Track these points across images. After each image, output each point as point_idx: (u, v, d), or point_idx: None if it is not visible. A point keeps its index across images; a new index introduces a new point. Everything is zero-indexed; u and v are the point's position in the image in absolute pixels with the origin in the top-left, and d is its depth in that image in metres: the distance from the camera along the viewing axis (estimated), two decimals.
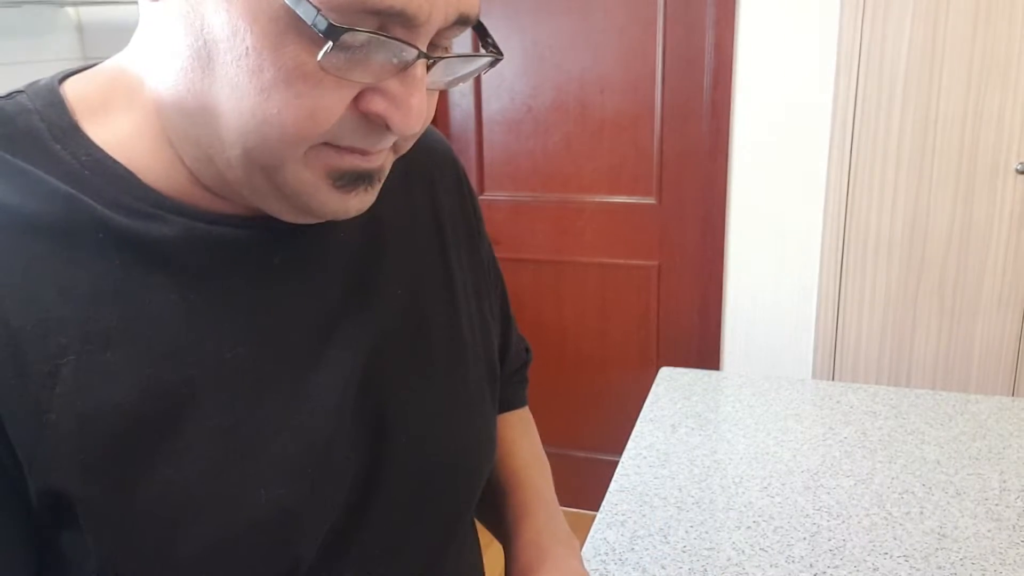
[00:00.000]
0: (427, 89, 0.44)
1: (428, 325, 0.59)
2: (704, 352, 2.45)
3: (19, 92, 0.47)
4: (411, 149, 0.54)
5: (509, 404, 0.80)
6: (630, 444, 1.27)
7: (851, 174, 2.07)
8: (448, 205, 0.65)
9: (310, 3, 0.38)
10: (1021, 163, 1.92)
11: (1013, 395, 2.09)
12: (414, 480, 0.55)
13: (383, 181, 0.48)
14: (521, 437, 0.78)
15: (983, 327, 2.06)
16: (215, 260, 0.47)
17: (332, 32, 0.38)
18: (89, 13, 2.22)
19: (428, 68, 0.43)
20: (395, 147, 0.48)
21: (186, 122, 0.44)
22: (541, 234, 2.54)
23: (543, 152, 2.49)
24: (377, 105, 0.43)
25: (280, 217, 0.47)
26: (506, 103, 2.49)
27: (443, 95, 2.53)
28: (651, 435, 1.29)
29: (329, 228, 0.52)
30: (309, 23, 0.38)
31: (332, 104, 0.41)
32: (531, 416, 0.84)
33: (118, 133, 0.46)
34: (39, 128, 0.45)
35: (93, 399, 0.42)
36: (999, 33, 1.87)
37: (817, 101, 2.09)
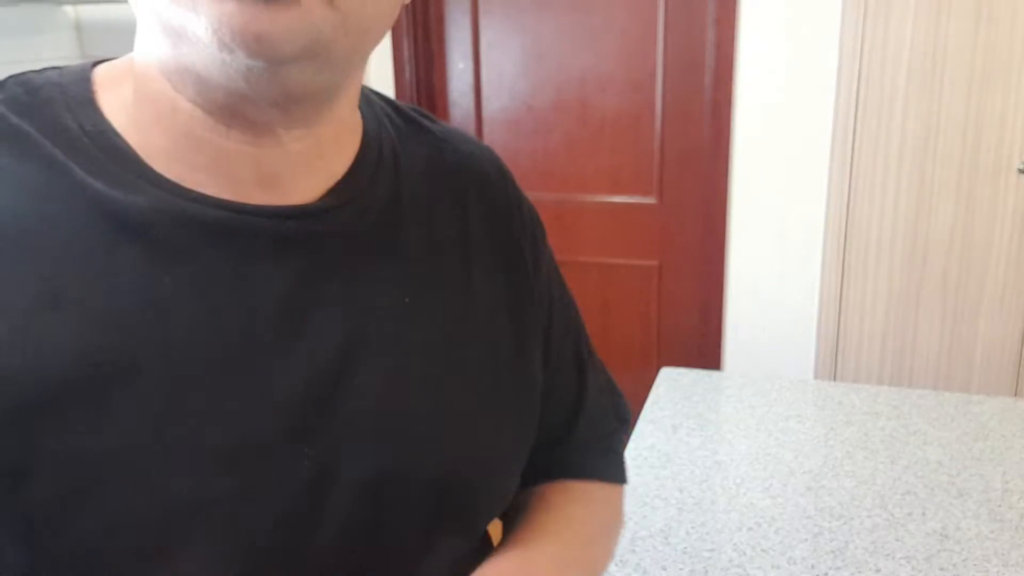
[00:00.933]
0: None
1: (427, 337, 0.55)
2: (705, 352, 2.45)
3: (54, 68, 0.50)
4: (450, 162, 0.55)
5: (575, 471, 0.69)
6: (631, 445, 1.26)
7: (853, 173, 2.06)
8: (484, 227, 0.61)
9: None
10: (1023, 163, 1.91)
11: (1015, 395, 2.08)
12: (374, 504, 0.51)
13: (297, 4, 0.41)
14: (572, 505, 0.67)
15: (985, 327, 2.06)
16: (192, 238, 0.46)
17: None
18: (88, 11, 2.22)
19: None
20: None
21: (149, 57, 0.46)
22: None
23: (544, 151, 2.49)
24: None
25: (199, 62, 0.43)
26: (507, 102, 2.48)
27: (442, 94, 2.52)
28: (652, 436, 1.29)
29: (327, 221, 0.50)
30: None
31: None
32: (613, 499, 0.71)
33: (123, 101, 0.48)
34: (56, 98, 0.47)
35: (19, 358, 0.41)
36: (1001, 33, 1.86)
37: (819, 100, 2.09)
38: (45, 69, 0.49)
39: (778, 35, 2.08)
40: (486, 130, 2.52)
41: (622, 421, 0.73)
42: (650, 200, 2.44)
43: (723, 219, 2.28)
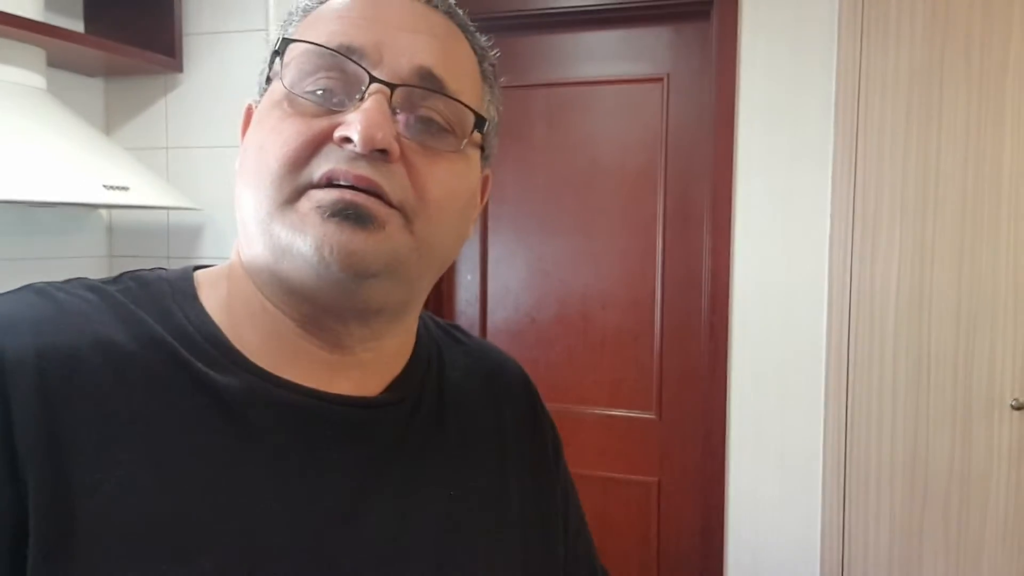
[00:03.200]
0: (408, 140, 0.53)
1: (468, 528, 0.60)
2: (707, 574, 2.35)
3: (161, 268, 0.59)
4: (484, 370, 0.65)
5: None
6: None
7: (849, 403, 2.08)
8: (514, 428, 0.68)
9: (282, 83, 0.53)
10: (1015, 400, 1.93)
11: None
12: None
13: (383, 230, 0.51)
14: None
15: (989, 561, 1.99)
16: (277, 418, 0.52)
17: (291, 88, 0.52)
18: (118, 215, 2.36)
19: (390, 102, 0.51)
20: (383, 195, 0.51)
21: (243, 249, 0.55)
22: None
23: (545, 362, 2.54)
24: (341, 128, 0.51)
25: (298, 274, 0.52)
26: (511, 313, 2.57)
27: (450, 302, 2.62)
28: None
29: (388, 413, 0.57)
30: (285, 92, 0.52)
31: (303, 130, 0.51)
32: None
33: (219, 299, 0.56)
34: (166, 292, 0.55)
35: (122, 514, 0.46)
36: (983, 273, 1.94)
37: (812, 328, 2.15)
38: (154, 269, 0.58)
39: (772, 264, 2.18)
40: (490, 338, 2.58)
41: None
42: (650, 416, 2.45)
43: (722, 438, 2.28)
